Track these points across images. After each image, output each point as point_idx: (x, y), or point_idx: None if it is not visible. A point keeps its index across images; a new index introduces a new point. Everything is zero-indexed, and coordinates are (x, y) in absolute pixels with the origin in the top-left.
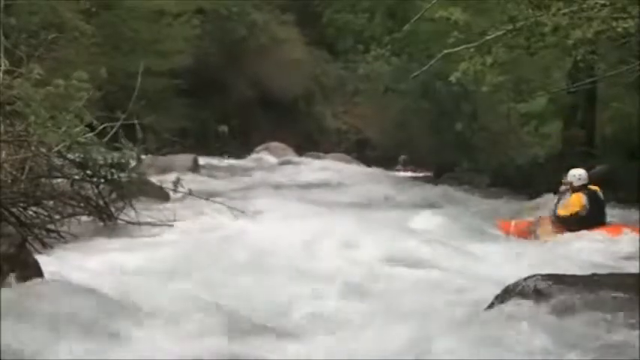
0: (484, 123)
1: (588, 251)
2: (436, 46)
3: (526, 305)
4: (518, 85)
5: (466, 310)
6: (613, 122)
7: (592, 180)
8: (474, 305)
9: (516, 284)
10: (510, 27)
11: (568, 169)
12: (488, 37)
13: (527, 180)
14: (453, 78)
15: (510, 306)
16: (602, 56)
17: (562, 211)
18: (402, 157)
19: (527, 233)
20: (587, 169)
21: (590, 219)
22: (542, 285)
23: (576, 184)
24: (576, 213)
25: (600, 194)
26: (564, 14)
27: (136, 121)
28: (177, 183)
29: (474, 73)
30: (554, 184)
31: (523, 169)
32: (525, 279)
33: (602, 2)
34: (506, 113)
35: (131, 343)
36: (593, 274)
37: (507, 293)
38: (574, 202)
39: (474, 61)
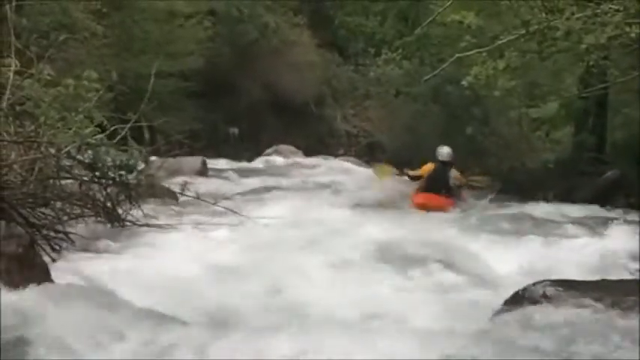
0: (495, 127)
1: None
2: (448, 50)
3: (535, 311)
4: (530, 89)
5: (475, 316)
6: (624, 128)
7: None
8: (483, 310)
9: (525, 289)
10: (523, 31)
11: (578, 175)
12: (500, 42)
13: (538, 184)
14: (465, 82)
15: (519, 311)
16: (615, 62)
17: (411, 172)
18: None
19: None
20: (598, 175)
21: (429, 186)
22: (551, 290)
23: (438, 158)
24: (417, 175)
25: (447, 171)
26: (577, 19)
27: (144, 123)
28: (184, 187)
29: (486, 77)
30: (564, 189)
31: (534, 174)
32: (534, 284)
33: (616, 7)
34: (517, 118)
35: (136, 346)
36: (602, 280)
37: (516, 298)
38: (423, 168)
39: (486, 66)
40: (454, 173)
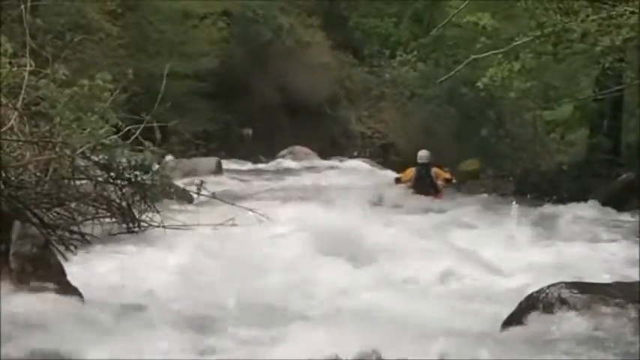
0: (510, 129)
1: None
2: (463, 52)
3: (550, 313)
4: (545, 91)
5: (489, 318)
6: (639, 130)
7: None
8: (498, 313)
9: (540, 291)
10: (538, 33)
11: (592, 177)
12: (516, 43)
13: (552, 186)
14: (480, 84)
15: (534, 314)
16: (630, 64)
17: (400, 176)
18: None
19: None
20: (613, 177)
21: (417, 187)
22: (565, 293)
23: (419, 161)
24: (399, 178)
25: (428, 171)
26: (593, 21)
27: (156, 123)
28: (200, 186)
29: (502, 79)
30: (579, 191)
31: (548, 176)
32: (549, 287)
33: (632, 9)
34: (532, 120)
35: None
36: (617, 283)
37: (531, 301)
38: (406, 173)
39: (501, 67)
40: (434, 170)
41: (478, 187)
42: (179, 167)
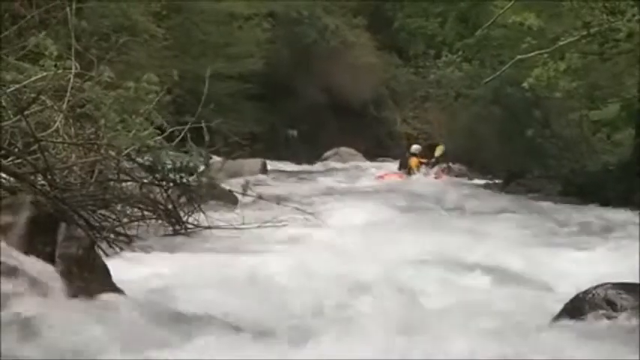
0: (555, 130)
1: None
2: (508, 52)
3: (597, 314)
4: (591, 91)
5: (535, 319)
6: None
7: None
8: (543, 313)
9: (586, 292)
10: (584, 33)
11: (639, 177)
12: (561, 43)
13: (599, 187)
14: (526, 84)
15: (580, 315)
16: None
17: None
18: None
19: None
20: None
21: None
22: (613, 294)
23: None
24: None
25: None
26: (639, 20)
27: (204, 124)
28: (246, 187)
29: (547, 79)
30: (625, 192)
31: (594, 177)
32: (596, 287)
33: None
34: (578, 120)
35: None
36: None
37: (577, 302)
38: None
39: (547, 67)
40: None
41: (524, 188)
42: (224, 169)
